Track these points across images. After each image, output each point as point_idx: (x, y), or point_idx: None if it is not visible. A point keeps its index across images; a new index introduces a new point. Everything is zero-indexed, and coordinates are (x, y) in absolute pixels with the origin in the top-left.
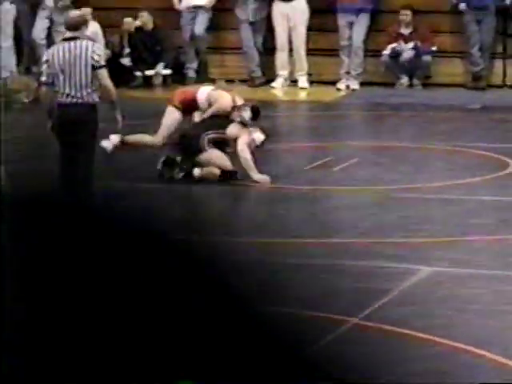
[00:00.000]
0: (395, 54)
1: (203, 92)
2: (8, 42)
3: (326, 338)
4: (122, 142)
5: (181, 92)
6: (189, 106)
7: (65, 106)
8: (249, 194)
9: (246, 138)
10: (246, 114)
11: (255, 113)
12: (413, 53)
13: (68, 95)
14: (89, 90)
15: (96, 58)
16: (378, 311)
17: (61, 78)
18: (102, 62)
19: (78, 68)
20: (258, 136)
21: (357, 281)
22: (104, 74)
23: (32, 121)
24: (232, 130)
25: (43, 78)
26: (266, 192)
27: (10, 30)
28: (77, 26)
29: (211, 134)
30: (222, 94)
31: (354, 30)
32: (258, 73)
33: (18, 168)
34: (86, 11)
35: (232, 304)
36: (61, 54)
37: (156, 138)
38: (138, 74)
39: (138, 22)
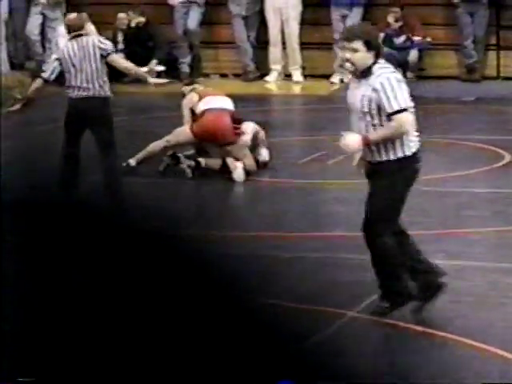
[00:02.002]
0: (389, 40)
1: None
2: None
3: (323, 332)
4: (139, 163)
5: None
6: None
7: (77, 100)
8: (243, 187)
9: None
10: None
11: None
12: (405, 42)
13: (80, 88)
14: (101, 83)
15: (103, 46)
16: (375, 304)
17: (72, 72)
18: (110, 48)
19: (88, 61)
20: (264, 157)
21: (353, 274)
22: (115, 57)
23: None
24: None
25: (45, 74)
26: (261, 186)
27: (1, 27)
28: (78, 26)
29: None
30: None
31: (348, 23)
32: (252, 67)
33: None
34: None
35: (227, 298)
36: (70, 50)
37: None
38: None
39: (133, 24)
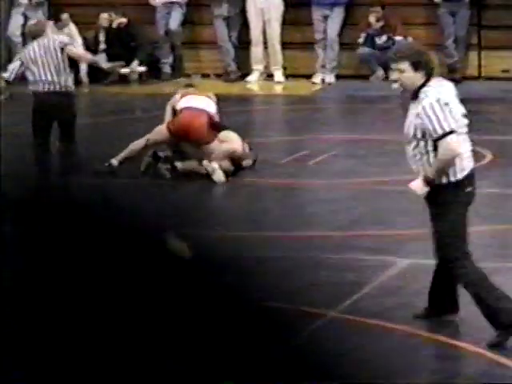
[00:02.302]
0: (370, 40)
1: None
2: None
3: (303, 332)
4: (121, 162)
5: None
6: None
7: (42, 94)
8: (224, 188)
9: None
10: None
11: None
12: (387, 42)
13: (44, 82)
14: (65, 76)
15: (61, 39)
16: (356, 304)
17: (35, 68)
18: (67, 41)
19: (49, 56)
20: (247, 162)
21: (334, 274)
22: (71, 47)
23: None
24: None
25: (6, 74)
26: (242, 186)
27: None
28: (37, 34)
29: None
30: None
31: (329, 23)
32: (233, 67)
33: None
34: (64, 16)
35: (207, 298)
36: (31, 49)
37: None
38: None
39: (114, 26)
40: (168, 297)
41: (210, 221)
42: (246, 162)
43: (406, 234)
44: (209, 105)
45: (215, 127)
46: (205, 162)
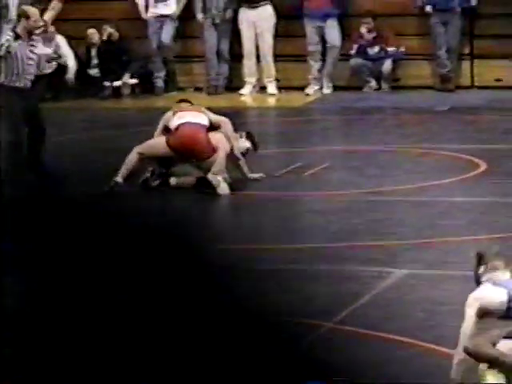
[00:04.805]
0: (363, 51)
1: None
2: None
3: (301, 344)
4: (125, 179)
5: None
6: None
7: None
8: (219, 200)
9: (225, 148)
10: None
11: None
12: (379, 53)
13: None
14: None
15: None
16: (352, 315)
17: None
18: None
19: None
20: (242, 144)
21: (330, 285)
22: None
23: None
24: (214, 135)
25: None
26: (238, 198)
27: None
28: None
29: None
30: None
31: (328, 33)
32: (220, 81)
33: None
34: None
35: (202, 311)
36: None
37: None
38: (107, 84)
39: (104, 38)
40: (163, 307)
41: (204, 233)
42: (242, 145)
43: (402, 244)
44: (203, 119)
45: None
46: (210, 176)
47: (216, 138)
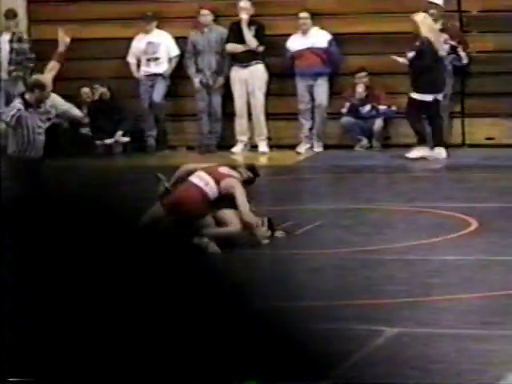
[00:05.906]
0: (354, 109)
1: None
2: None
3: None
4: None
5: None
6: None
7: None
8: (212, 258)
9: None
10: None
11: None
12: (371, 111)
13: None
14: None
15: None
16: (345, 374)
17: None
18: None
19: None
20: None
21: (321, 344)
22: None
23: None
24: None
25: None
26: (228, 257)
27: None
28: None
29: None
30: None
31: (316, 91)
32: (212, 140)
33: None
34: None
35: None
36: None
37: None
38: (98, 142)
39: (96, 97)
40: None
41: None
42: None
43: (394, 302)
44: (207, 182)
45: (209, 202)
46: (196, 240)
47: (226, 216)
